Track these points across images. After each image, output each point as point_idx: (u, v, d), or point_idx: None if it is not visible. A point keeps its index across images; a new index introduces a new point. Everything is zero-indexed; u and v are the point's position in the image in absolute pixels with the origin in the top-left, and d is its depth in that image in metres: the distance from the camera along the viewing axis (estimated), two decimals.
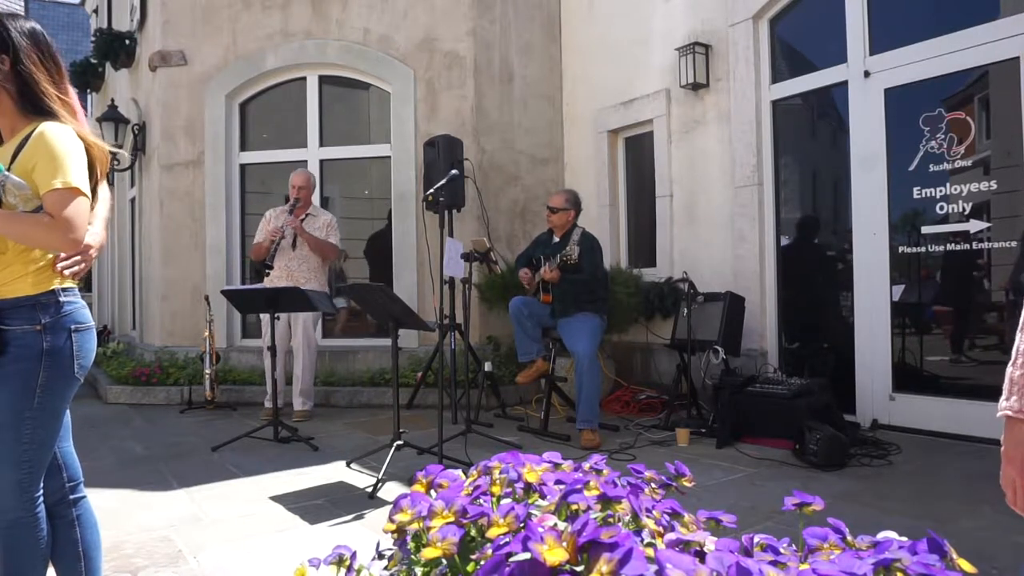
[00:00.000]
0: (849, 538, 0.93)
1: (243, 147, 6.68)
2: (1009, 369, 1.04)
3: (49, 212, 1.60)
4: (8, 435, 1.63)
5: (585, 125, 6.56)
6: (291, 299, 4.54)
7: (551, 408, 4.77)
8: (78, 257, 1.74)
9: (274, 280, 5.08)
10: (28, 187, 1.62)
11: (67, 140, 1.67)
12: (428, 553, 0.90)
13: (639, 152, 6.26)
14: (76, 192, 1.63)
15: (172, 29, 6.64)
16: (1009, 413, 1.03)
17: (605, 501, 1.01)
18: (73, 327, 1.71)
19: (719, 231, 5.41)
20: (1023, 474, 1.01)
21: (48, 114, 1.70)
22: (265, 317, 4.86)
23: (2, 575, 1.69)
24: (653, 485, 1.19)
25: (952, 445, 3.94)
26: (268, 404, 4.98)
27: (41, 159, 1.62)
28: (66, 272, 1.72)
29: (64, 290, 1.72)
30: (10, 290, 1.65)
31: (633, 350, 5.96)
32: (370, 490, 3.35)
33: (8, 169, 1.63)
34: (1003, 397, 1.05)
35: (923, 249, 4.33)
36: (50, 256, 1.70)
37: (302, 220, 5.17)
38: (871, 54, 4.50)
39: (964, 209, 4.11)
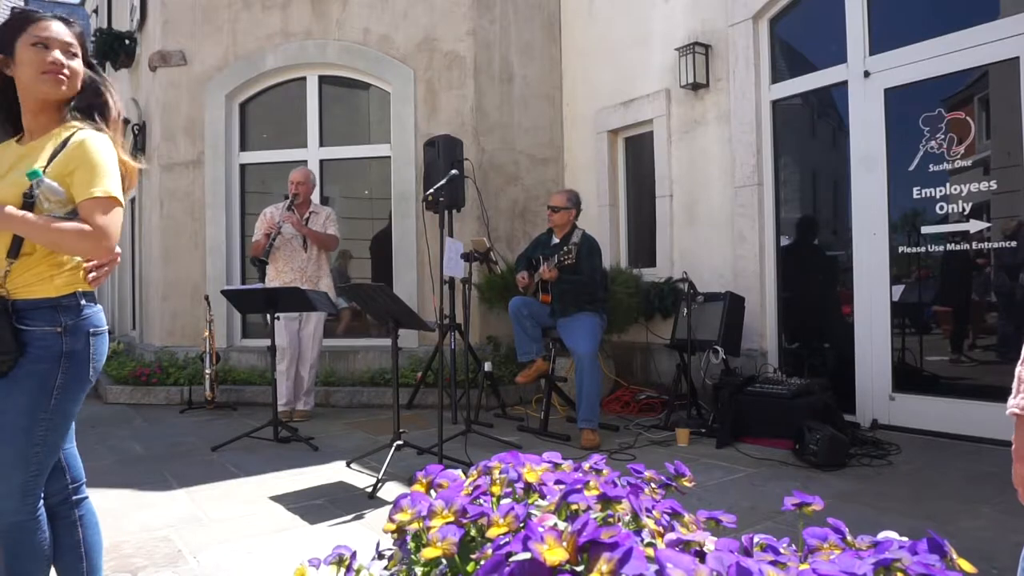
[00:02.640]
0: (849, 538, 0.93)
1: (243, 147, 6.68)
2: (1018, 368, 1.04)
3: (86, 219, 1.62)
4: (22, 436, 1.63)
5: (585, 125, 6.56)
6: (291, 299, 4.54)
7: (551, 408, 4.77)
8: (106, 268, 1.76)
9: (285, 281, 5.07)
10: (64, 192, 1.63)
11: (107, 150, 1.70)
12: (428, 553, 0.90)
13: (639, 152, 6.26)
14: (115, 202, 1.67)
15: (172, 29, 6.65)
16: (1017, 411, 1.03)
17: (605, 501, 1.01)
18: (91, 331, 1.72)
19: (719, 231, 5.41)
20: None
21: (90, 122, 1.74)
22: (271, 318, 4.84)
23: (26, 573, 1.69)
24: (653, 485, 1.19)
25: (952, 445, 3.94)
26: (287, 407, 5.15)
27: (81, 166, 1.64)
28: (93, 283, 1.73)
29: (84, 294, 1.72)
30: (34, 291, 1.65)
31: (633, 350, 5.97)
32: (370, 490, 3.35)
33: (43, 172, 1.63)
34: (1012, 396, 1.05)
35: (923, 249, 4.33)
36: (77, 259, 1.71)
37: (306, 219, 5.17)
38: (871, 54, 4.50)
39: (964, 209, 4.11)
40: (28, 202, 1.61)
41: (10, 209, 1.59)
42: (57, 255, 1.68)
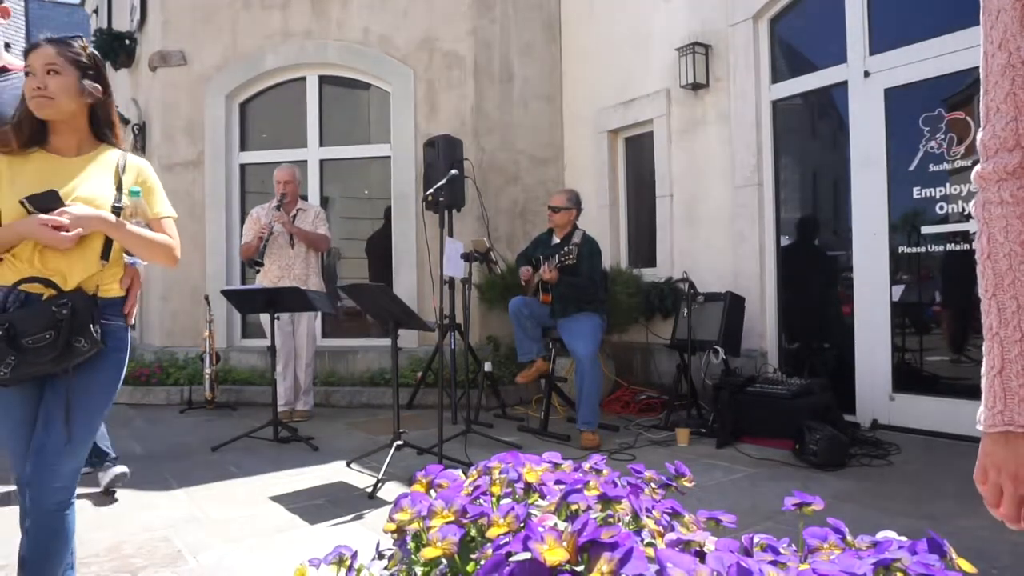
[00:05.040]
0: (849, 538, 0.93)
1: (243, 147, 6.68)
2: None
3: (166, 234, 1.98)
4: (98, 418, 1.88)
5: (585, 125, 6.56)
6: (291, 299, 4.54)
7: (551, 408, 4.77)
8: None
9: (272, 279, 5.09)
10: (147, 211, 1.93)
11: (156, 175, 2.04)
12: (428, 553, 0.90)
13: (639, 152, 6.26)
14: (174, 220, 2.04)
15: (172, 29, 6.64)
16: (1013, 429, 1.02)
17: (605, 501, 1.01)
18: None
19: (719, 231, 5.41)
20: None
21: (110, 142, 1.95)
22: (267, 319, 4.85)
23: (51, 561, 1.77)
24: (653, 485, 1.19)
25: (952, 445, 3.94)
26: (287, 408, 5.18)
27: (151, 191, 1.97)
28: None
29: None
30: (113, 290, 1.90)
31: (633, 350, 5.97)
32: (370, 490, 3.35)
33: (119, 189, 1.89)
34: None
35: (923, 249, 4.33)
36: (130, 262, 2.00)
37: (293, 216, 5.18)
38: (871, 54, 4.50)
39: (964, 209, 4.11)
40: (115, 212, 1.85)
41: (120, 220, 1.84)
42: (122, 259, 1.94)
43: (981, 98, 0.88)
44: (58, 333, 1.71)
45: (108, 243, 1.85)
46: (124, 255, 1.95)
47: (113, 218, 1.82)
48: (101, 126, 1.92)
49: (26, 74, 1.81)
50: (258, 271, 5.20)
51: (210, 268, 6.48)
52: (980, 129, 0.87)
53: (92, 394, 1.83)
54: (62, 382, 1.77)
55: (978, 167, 0.86)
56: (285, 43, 6.47)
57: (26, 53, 1.84)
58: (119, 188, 1.87)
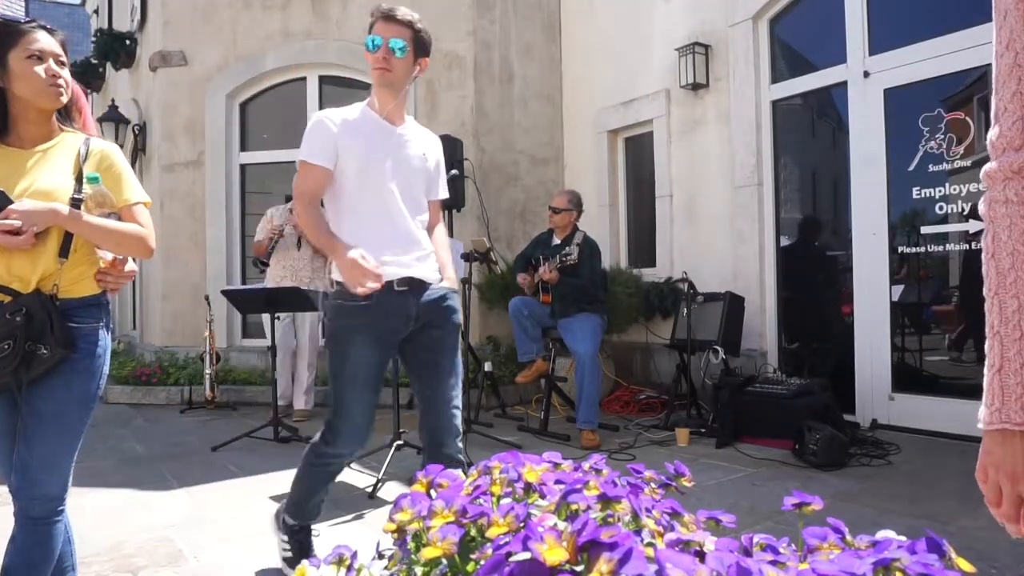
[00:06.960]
0: (848, 538, 0.93)
1: (243, 147, 6.68)
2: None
3: (133, 222, 1.79)
4: (78, 428, 1.73)
5: (585, 125, 6.56)
6: (291, 299, 4.54)
7: (551, 408, 4.77)
8: (123, 279, 1.86)
9: (277, 279, 5.10)
10: (113, 199, 1.76)
11: (125, 159, 1.86)
12: (428, 553, 0.90)
13: (639, 152, 6.26)
14: (148, 205, 1.87)
15: (172, 29, 6.65)
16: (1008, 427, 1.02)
17: (605, 501, 1.01)
18: (112, 326, 1.85)
19: (719, 231, 5.41)
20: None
21: (71, 127, 1.82)
22: (268, 319, 4.85)
23: (33, 570, 1.71)
24: (653, 485, 1.19)
25: (952, 445, 3.94)
26: (283, 403, 5.19)
27: (117, 177, 1.80)
28: (104, 284, 1.81)
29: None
30: (80, 289, 1.74)
31: (633, 350, 5.97)
32: (370, 490, 3.35)
33: (79, 180, 1.74)
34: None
35: (923, 249, 4.34)
36: (110, 258, 1.83)
37: None
38: (870, 54, 4.50)
39: (963, 209, 4.11)
40: (74, 204, 1.70)
41: (76, 211, 1.68)
42: (94, 255, 1.78)
43: (992, 97, 0.87)
44: (15, 342, 1.59)
45: (67, 239, 1.70)
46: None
47: (66, 209, 1.66)
48: (67, 114, 1.82)
49: (28, 57, 1.69)
50: (262, 271, 5.22)
51: (210, 268, 6.48)
52: (991, 128, 0.87)
53: (61, 404, 1.69)
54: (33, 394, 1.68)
55: (986, 166, 0.86)
56: (285, 43, 6.47)
57: (17, 32, 1.70)
58: (80, 178, 1.73)
